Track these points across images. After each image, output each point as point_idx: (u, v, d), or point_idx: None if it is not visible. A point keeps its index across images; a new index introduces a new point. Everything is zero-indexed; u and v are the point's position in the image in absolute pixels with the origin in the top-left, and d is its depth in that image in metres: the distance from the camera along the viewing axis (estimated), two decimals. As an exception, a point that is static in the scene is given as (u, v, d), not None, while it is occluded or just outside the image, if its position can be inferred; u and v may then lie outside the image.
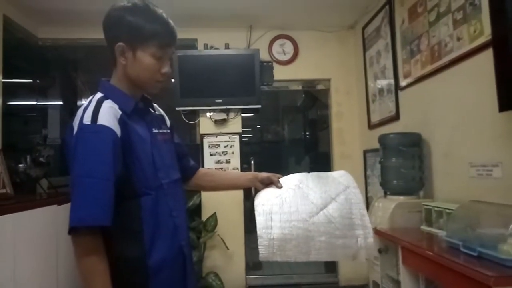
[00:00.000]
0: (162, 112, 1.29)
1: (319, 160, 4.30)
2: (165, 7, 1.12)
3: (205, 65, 3.30)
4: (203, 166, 3.34)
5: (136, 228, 1.03)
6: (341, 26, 3.52)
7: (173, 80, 3.23)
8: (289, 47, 3.51)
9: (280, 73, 3.50)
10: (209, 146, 3.42)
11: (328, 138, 3.67)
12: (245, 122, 3.55)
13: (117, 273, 0.98)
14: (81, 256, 0.93)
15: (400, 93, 2.62)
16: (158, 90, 1.14)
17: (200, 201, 3.25)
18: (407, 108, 2.55)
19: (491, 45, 1.61)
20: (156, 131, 1.16)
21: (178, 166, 1.23)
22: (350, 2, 3.03)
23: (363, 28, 3.24)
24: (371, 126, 3.14)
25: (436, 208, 1.90)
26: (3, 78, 2.67)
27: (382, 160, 2.35)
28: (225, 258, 3.30)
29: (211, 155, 3.41)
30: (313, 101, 4.43)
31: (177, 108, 3.29)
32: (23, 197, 2.47)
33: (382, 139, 2.37)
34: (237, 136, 3.44)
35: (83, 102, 1.09)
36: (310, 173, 1.24)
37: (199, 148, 3.40)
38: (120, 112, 1.04)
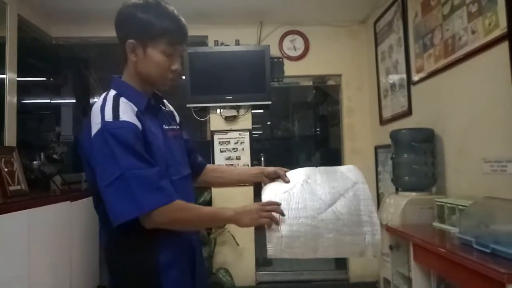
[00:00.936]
0: (172, 108, 1.30)
1: (329, 156, 4.28)
2: (176, 4, 1.12)
3: (216, 61, 3.30)
4: (213, 163, 3.36)
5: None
6: (352, 21, 3.48)
7: (183, 77, 3.25)
8: (299, 42, 3.49)
9: (290, 69, 3.48)
10: (219, 143, 3.43)
11: (338, 134, 3.64)
12: (255, 119, 3.54)
13: (128, 268, 0.99)
14: (174, 221, 0.99)
15: (413, 88, 2.58)
16: (168, 87, 1.14)
17: (211, 197, 3.27)
18: (419, 103, 2.52)
19: (507, 38, 1.57)
20: (167, 127, 1.16)
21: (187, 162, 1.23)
22: (361, -4, 3.00)
23: (375, 23, 3.20)
24: (383, 122, 3.11)
25: (448, 205, 1.88)
26: (18, 77, 2.72)
27: (393, 156, 2.32)
28: (235, 254, 3.32)
29: (221, 151, 3.42)
30: (323, 97, 4.41)
31: (187, 105, 3.30)
32: (37, 193, 2.52)
33: (394, 134, 2.35)
34: (247, 133, 3.44)
35: (95, 100, 1.10)
36: (318, 168, 1.23)
37: (210, 145, 3.41)
38: (135, 108, 1.05)
